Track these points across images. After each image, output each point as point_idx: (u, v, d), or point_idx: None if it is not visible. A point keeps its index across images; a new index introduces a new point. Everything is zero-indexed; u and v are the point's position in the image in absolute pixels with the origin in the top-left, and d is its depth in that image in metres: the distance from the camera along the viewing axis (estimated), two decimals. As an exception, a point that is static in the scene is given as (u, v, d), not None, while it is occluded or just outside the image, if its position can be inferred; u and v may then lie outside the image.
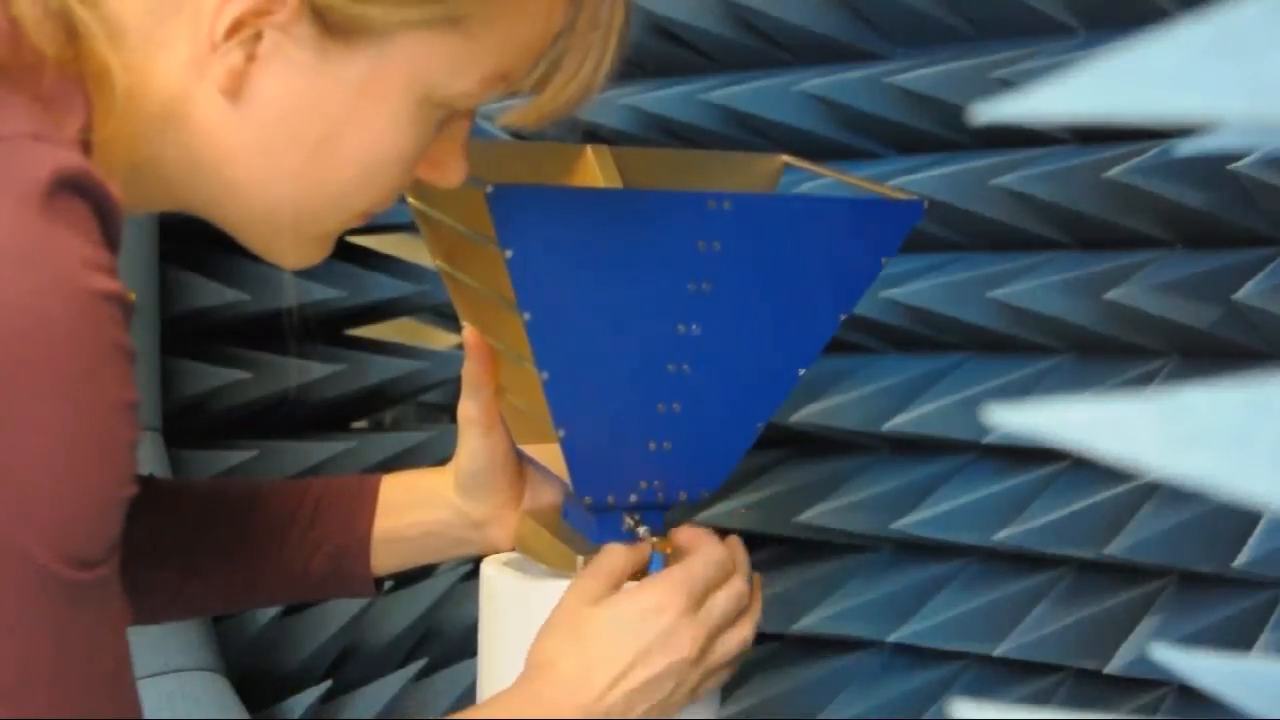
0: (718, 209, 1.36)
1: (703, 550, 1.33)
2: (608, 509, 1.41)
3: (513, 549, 1.43)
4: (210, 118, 1.02)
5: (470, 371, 1.39)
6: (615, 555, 1.32)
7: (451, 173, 1.13)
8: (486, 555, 1.44)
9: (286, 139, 1.03)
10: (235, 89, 1.02)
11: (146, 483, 1.11)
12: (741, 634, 1.33)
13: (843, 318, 1.42)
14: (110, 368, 0.91)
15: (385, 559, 1.40)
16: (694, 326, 1.37)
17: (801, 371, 1.42)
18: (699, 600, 1.30)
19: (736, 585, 1.33)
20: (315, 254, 1.12)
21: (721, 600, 1.32)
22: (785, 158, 1.57)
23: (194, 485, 1.41)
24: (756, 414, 1.41)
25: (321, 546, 1.37)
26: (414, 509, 1.40)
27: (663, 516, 1.42)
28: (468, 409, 1.39)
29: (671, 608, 1.28)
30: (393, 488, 1.41)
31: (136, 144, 1.01)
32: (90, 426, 0.90)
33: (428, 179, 1.13)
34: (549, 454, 1.45)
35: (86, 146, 0.97)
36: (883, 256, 1.42)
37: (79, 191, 0.91)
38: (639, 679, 1.25)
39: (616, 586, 1.30)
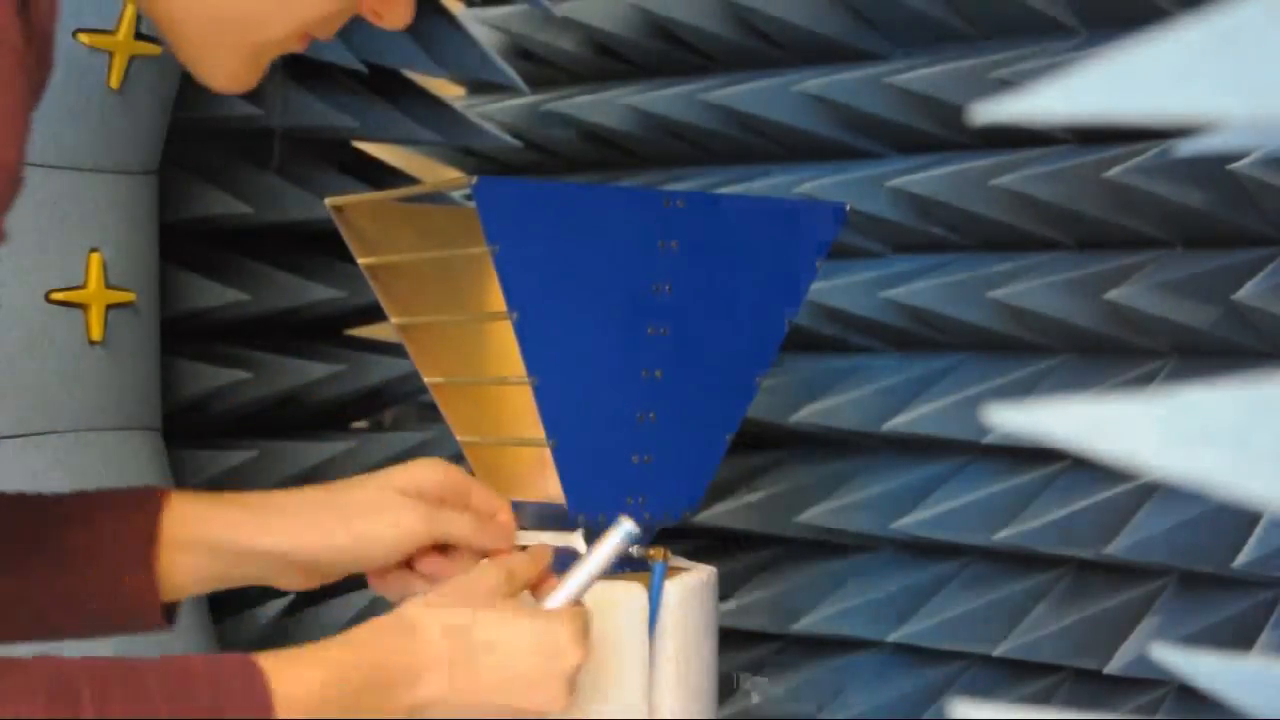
0: (673, 207, 1.44)
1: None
2: (600, 532, 1.45)
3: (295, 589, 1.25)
4: None
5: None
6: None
7: (399, 10, 1.07)
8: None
9: None
10: None
11: None
12: None
13: (789, 320, 1.50)
14: None
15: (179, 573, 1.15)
16: (662, 329, 1.43)
17: (759, 379, 1.49)
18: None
19: None
20: (250, 74, 1.05)
21: None
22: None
23: None
24: (724, 425, 1.47)
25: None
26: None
27: (649, 539, 1.46)
28: (390, 584, 1.20)
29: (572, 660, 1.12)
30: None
31: None
32: None
33: (375, 16, 1.07)
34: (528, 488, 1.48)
35: None
36: (816, 257, 1.51)
37: None
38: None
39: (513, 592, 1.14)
